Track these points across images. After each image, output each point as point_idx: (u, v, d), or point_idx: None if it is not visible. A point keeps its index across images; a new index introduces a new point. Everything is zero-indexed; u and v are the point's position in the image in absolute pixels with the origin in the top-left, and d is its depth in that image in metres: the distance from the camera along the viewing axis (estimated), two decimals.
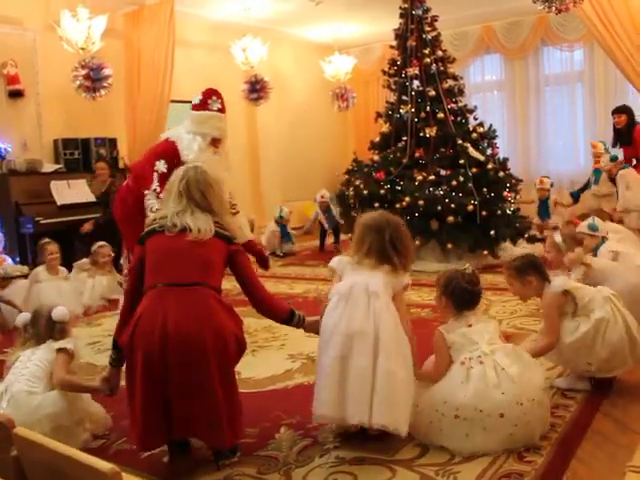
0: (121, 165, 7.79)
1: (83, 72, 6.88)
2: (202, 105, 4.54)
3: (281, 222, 8.48)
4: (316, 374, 2.74)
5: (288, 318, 2.82)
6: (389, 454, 2.61)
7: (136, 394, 2.50)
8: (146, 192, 4.35)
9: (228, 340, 2.54)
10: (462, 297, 2.83)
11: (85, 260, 6.14)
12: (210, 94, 4.59)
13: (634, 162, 7.21)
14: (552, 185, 8.41)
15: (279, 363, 3.90)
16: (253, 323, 4.62)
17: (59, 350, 2.93)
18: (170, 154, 4.37)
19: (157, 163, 4.36)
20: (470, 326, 2.77)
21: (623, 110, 7.14)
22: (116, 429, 3.00)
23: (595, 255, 4.40)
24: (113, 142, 7.77)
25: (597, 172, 7.55)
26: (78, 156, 7.42)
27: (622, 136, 7.14)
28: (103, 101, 7.25)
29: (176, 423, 2.47)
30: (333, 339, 2.64)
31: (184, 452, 2.72)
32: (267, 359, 4.02)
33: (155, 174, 4.35)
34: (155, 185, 4.31)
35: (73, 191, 7.05)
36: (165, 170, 4.27)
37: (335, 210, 8.39)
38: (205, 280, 2.59)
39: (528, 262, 3.18)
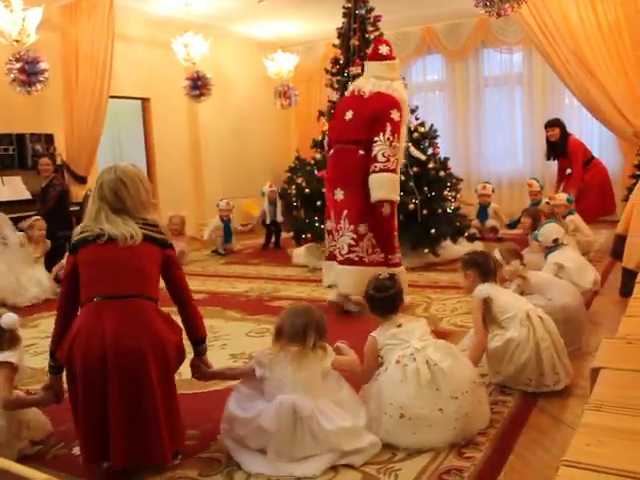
0: (58, 161, 7.59)
1: (18, 65, 6.67)
2: (391, 54, 4.88)
3: (222, 216, 8.41)
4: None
5: (200, 340, 2.80)
6: None
7: (78, 409, 2.46)
8: (375, 139, 4.49)
9: (168, 350, 2.51)
10: (373, 304, 2.89)
11: (20, 233, 6.02)
12: (389, 43, 4.95)
13: (569, 171, 7.48)
14: (493, 191, 8.59)
15: (221, 363, 3.82)
16: None
17: (2, 364, 2.73)
18: (397, 104, 4.61)
19: (392, 112, 4.54)
20: (400, 326, 2.80)
21: (556, 123, 7.54)
22: (53, 434, 2.92)
23: (545, 258, 4.52)
24: (50, 138, 7.56)
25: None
26: (13, 152, 7.19)
27: (557, 148, 7.54)
28: (39, 96, 7.05)
29: (116, 439, 2.39)
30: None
31: None
32: (209, 359, 3.97)
33: (388, 123, 4.50)
34: (388, 134, 4.47)
35: (7, 188, 6.84)
36: (398, 119, 4.56)
37: (278, 205, 8.43)
38: (142, 291, 2.54)
39: (473, 259, 3.36)
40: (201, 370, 2.86)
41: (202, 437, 2.84)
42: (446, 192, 6.83)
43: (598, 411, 1.82)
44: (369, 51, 4.99)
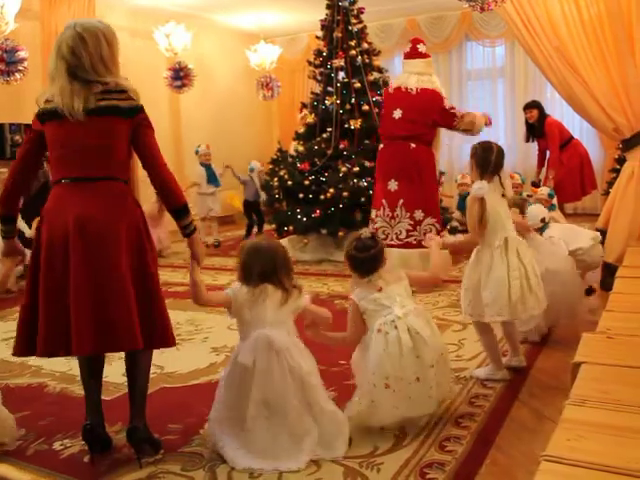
0: None
1: None
2: (427, 52, 5.66)
3: (203, 162, 8.45)
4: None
5: (181, 209, 2.57)
6: None
7: (38, 291, 2.39)
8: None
9: (143, 234, 2.50)
10: (353, 264, 2.82)
11: None
12: (425, 42, 5.72)
13: (547, 154, 7.56)
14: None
15: (203, 357, 3.85)
16: (176, 316, 4.55)
17: None
18: (443, 100, 5.44)
19: (445, 101, 5.42)
20: (380, 290, 2.75)
21: (534, 105, 7.72)
22: (34, 429, 2.88)
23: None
24: (29, 128, 7.45)
25: None
26: None
27: (536, 130, 7.69)
28: (18, 85, 6.93)
29: (79, 322, 2.30)
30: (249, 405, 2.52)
31: (105, 450, 2.64)
32: (190, 353, 3.97)
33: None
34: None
35: None
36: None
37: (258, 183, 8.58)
38: (113, 173, 2.47)
39: (474, 149, 3.38)
40: (193, 251, 2.73)
41: (184, 431, 2.83)
42: None
43: (579, 406, 1.84)
44: (407, 50, 5.66)
